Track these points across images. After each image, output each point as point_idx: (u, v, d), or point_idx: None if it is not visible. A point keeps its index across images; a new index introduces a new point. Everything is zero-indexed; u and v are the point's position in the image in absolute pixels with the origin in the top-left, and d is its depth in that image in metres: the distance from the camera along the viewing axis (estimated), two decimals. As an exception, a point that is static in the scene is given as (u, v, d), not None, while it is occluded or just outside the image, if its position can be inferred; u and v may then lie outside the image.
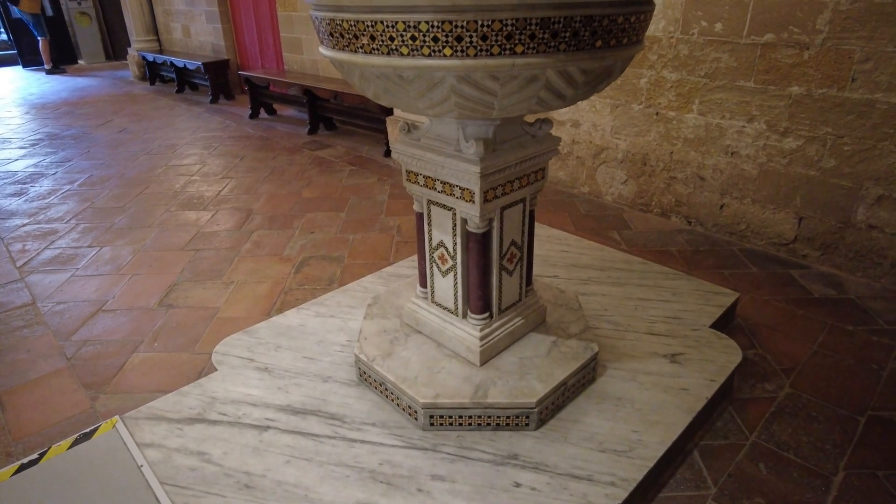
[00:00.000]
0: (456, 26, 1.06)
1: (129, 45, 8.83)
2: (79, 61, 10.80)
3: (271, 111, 6.02)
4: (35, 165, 4.63)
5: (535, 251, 2.42)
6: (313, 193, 3.76)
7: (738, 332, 2.18)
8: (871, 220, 2.56)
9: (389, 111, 4.39)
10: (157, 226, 3.35)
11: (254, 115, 5.92)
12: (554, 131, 3.45)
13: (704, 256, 2.83)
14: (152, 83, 8.31)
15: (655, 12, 2.96)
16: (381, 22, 1.11)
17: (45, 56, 9.58)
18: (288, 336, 1.99)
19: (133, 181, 4.17)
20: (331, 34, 1.24)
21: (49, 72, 9.65)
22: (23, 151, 5.08)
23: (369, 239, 3.05)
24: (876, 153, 2.48)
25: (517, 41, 1.08)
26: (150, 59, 7.99)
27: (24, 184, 4.21)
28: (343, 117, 4.93)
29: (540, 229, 2.78)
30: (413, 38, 1.09)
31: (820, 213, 2.69)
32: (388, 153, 4.48)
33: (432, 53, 1.10)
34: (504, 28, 1.06)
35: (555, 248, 2.59)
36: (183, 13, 7.73)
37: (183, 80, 7.52)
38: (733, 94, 2.82)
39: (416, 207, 1.68)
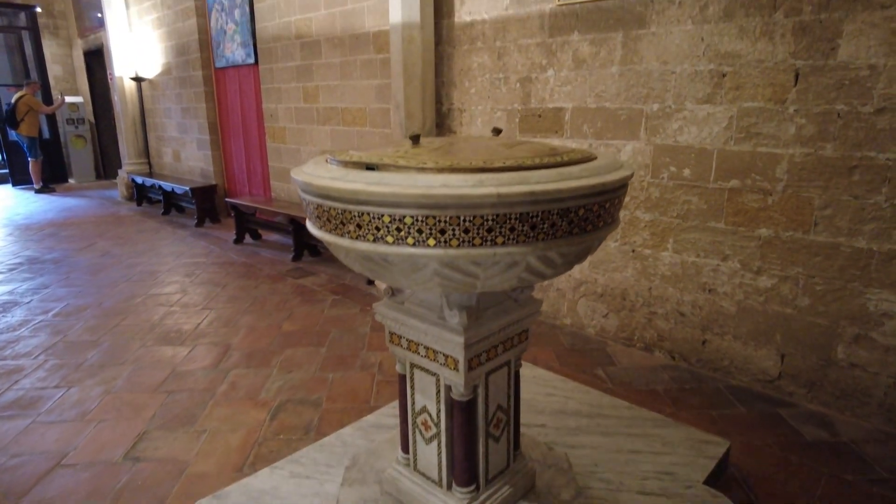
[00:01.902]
0: (439, 220, 1.09)
1: (121, 167, 9.08)
2: (69, 180, 11.02)
3: (256, 236, 6.09)
4: (10, 293, 4.55)
5: (521, 394, 2.36)
6: (294, 326, 3.71)
7: (734, 485, 2.09)
8: (851, 358, 2.57)
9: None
10: (132, 362, 3.25)
11: (238, 241, 5.98)
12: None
13: (691, 395, 2.79)
14: (139, 204, 8.45)
15: (625, 157, 3.14)
16: (368, 213, 1.14)
17: (35, 176, 9.78)
18: (260, 503, 1.86)
19: (110, 311, 4.09)
20: (318, 216, 1.28)
21: (38, 191, 9.80)
22: (-1, 277, 5.01)
23: (349, 378, 2.97)
24: (847, 293, 2.54)
25: (498, 233, 1.11)
26: (139, 181, 8.19)
27: (-4, 314, 4.11)
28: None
29: (525, 368, 2.74)
30: (398, 230, 1.12)
31: (801, 351, 2.70)
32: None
33: (416, 243, 1.12)
34: (485, 222, 1.10)
35: (541, 391, 2.54)
36: (175, 139, 8.05)
37: (170, 203, 7.67)
38: (706, 234, 2.93)
39: (398, 369, 1.65)
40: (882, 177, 2.38)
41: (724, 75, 2.75)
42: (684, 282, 3.05)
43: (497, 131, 1.65)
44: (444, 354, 1.46)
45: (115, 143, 9.81)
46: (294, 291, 4.42)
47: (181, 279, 4.84)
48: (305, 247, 5.30)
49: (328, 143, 5.23)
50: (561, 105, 3.39)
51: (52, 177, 10.63)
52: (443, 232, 1.10)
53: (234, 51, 6.42)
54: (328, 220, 1.23)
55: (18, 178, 10.43)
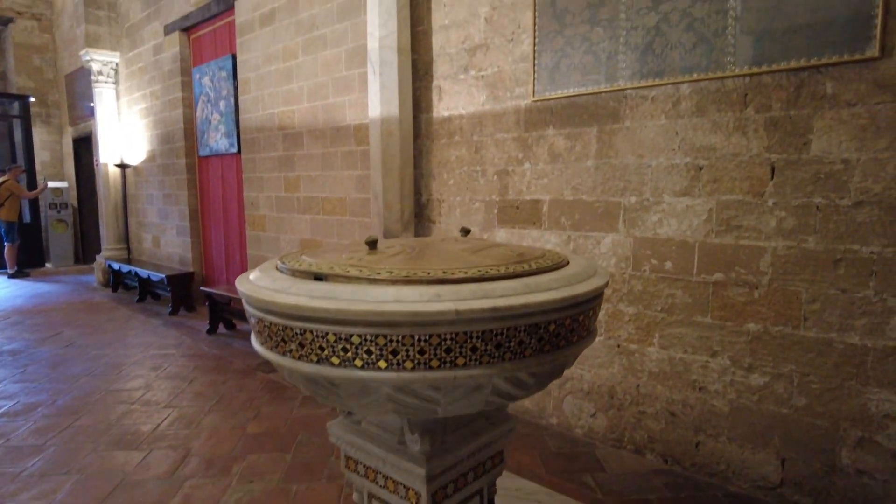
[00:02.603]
0: (391, 340, 0.96)
1: (99, 252, 8.93)
2: (46, 265, 10.82)
3: (230, 326, 5.88)
4: (-41, 390, 4.25)
5: (501, 515, 2.13)
6: (260, 428, 3.45)
7: None
8: (857, 464, 2.38)
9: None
10: (77, 471, 2.96)
11: (212, 331, 5.76)
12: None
13: (688, 507, 2.56)
14: (115, 290, 8.24)
15: (604, 250, 3.08)
16: (311, 331, 1.00)
17: (9, 261, 9.57)
18: None
19: (64, 410, 3.81)
20: (259, 332, 1.14)
21: (12, 276, 9.57)
22: (-48, 371, 4.72)
23: (315, 491, 2.71)
24: (845, 392, 2.40)
25: (458, 354, 0.98)
26: (116, 267, 8.02)
27: (-61, 414, 3.80)
28: (302, 335, 4.80)
29: (507, 479, 2.51)
30: (344, 350, 0.99)
31: (803, 455, 2.51)
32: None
33: (366, 365, 0.98)
34: (443, 342, 0.97)
35: (523, 506, 2.31)
36: (155, 225, 7.98)
37: (145, 290, 7.48)
38: (692, 329, 2.81)
39: (355, 499, 1.45)
40: (868, 270, 2.31)
41: (700, 168, 2.74)
42: (673, 379, 2.90)
43: (465, 231, 1.55)
44: (405, 486, 1.28)
45: (97, 227, 9.72)
46: (263, 388, 4.17)
47: (146, 373, 4.58)
48: (280, 337, 5.09)
49: (308, 232, 5.16)
50: (538, 197, 3.36)
51: (29, 261, 10.43)
52: (395, 353, 0.97)
53: (217, 140, 6.49)
54: (269, 336, 1.09)
55: (-6, 264, 10.21)
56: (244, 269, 6.27)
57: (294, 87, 5.12)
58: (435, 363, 0.97)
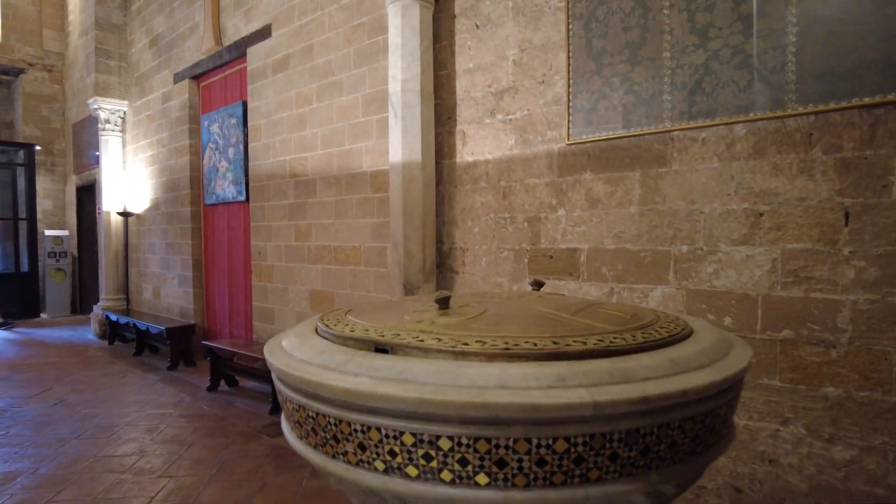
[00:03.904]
0: (497, 446, 0.67)
1: (97, 302, 8.62)
2: (42, 315, 10.48)
3: (233, 382, 5.52)
4: (-66, 455, 3.87)
5: None
6: (267, 503, 3.08)
7: None
8: (969, 558, 2.03)
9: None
10: (55, 557, 2.57)
11: (212, 388, 5.39)
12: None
13: None
14: (111, 342, 7.88)
15: (653, 304, 2.79)
16: (378, 428, 0.71)
17: None
18: None
19: (46, 481, 3.43)
20: (298, 422, 0.84)
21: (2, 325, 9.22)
22: (-71, 433, 4.34)
23: (332, 586, 2.33)
24: (948, 471, 2.06)
25: (592, 464, 0.69)
26: (114, 318, 7.70)
27: None
28: (311, 394, 4.45)
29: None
30: (427, 458, 0.69)
31: (901, 546, 2.16)
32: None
33: (458, 480, 0.69)
34: (572, 448, 0.67)
35: None
36: (156, 275, 7.71)
37: (143, 343, 7.13)
38: (758, 392, 2.49)
39: None
40: (970, 330, 2.02)
41: (761, 214, 2.49)
42: (738, 449, 2.56)
43: (537, 284, 1.28)
44: None
45: (96, 277, 9.44)
46: (269, 454, 3.79)
47: (141, 436, 4.20)
48: (286, 396, 4.73)
49: (319, 283, 4.89)
50: (575, 246, 3.10)
51: (24, 311, 10.10)
52: (502, 464, 0.68)
53: (225, 188, 6.29)
54: (314, 430, 0.80)
55: (-14, 314, 9.88)
56: (248, 322, 5.96)
57: (307, 133, 4.95)
58: (559, 478, 0.68)
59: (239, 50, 5.84)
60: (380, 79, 4.23)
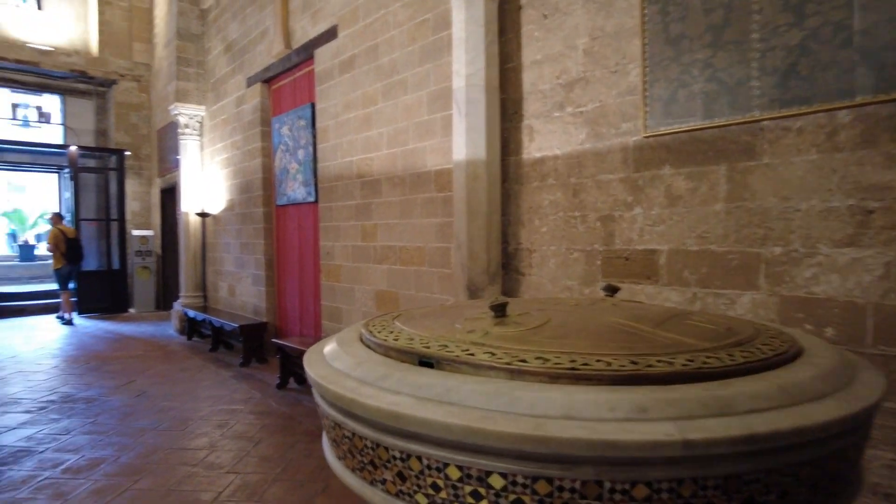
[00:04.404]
0: (561, 488, 0.54)
1: (177, 299, 9.06)
2: (130, 310, 11.15)
3: (301, 380, 5.61)
4: (28, 439, 4.13)
5: None
6: (328, 505, 3.06)
7: None
8: None
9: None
10: (128, 547, 2.65)
11: (282, 386, 5.50)
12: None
13: None
14: (190, 338, 8.26)
15: (741, 311, 2.54)
16: (419, 458, 0.60)
17: (63, 305, 9.79)
18: None
19: (126, 469, 3.57)
20: (335, 441, 0.75)
21: (60, 318, 9.80)
22: (26, 417, 4.65)
23: None
24: None
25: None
26: (191, 315, 8.06)
27: (3, 465, 3.66)
28: (375, 395, 4.42)
29: None
30: (476, 496, 0.58)
31: None
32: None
33: (514, 527, 0.57)
34: (655, 496, 0.54)
35: None
36: (231, 274, 7.99)
37: (218, 339, 7.41)
38: (879, 416, 2.20)
39: None
40: None
41: (870, 212, 2.19)
42: (839, 478, 2.27)
43: (611, 289, 1.13)
44: None
45: (178, 274, 9.94)
46: (333, 454, 3.79)
47: (212, 430, 4.32)
48: (351, 396, 4.74)
49: (384, 284, 4.87)
50: (653, 247, 2.88)
51: (114, 305, 10.80)
52: (570, 510, 0.55)
53: (295, 189, 6.42)
54: (350, 452, 0.70)
55: (84, 307, 10.61)
56: (318, 321, 6.04)
57: (373, 133, 4.94)
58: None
59: (307, 52, 5.94)
60: (444, 76, 4.15)
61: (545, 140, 3.44)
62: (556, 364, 0.63)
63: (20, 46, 10.43)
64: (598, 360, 0.64)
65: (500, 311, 0.85)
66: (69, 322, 9.69)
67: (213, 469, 3.58)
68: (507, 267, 3.65)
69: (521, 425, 0.54)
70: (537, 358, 0.65)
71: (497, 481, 0.56)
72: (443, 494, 0.60)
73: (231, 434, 4.23)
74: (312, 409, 4.79)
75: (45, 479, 3.46)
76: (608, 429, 0.53)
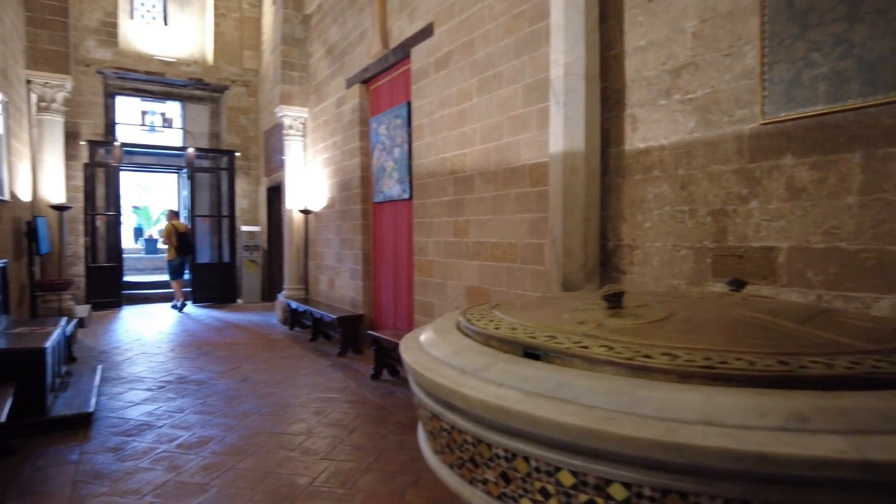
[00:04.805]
0: (700, 505, 0.46)
1: (282, 291, 9.56)
2: (238, 300, 11.91)
3: (394, 372, 5.72)
4: (149, 414, 4.50)
5: None
6: (419, 498, 3.06)
7: None
8: None
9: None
10: (232, 523, 2.79)
11: (376, 376, 5.63)
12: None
13: None
14: (291, 328, 8.67)
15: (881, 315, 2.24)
16: (527, 459, 0.54)
17: (177, 294, 10.62)
18: None
19: (231, 449, 3.79)
20: (432, 433, 0.70)
21: (174, 306, 10.66)
22: (147, 395, 5.07)
23: None
24: None
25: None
26: (294, 306, 8.46)
27: (129, 436, 4.00)
28: (465, 391, 4.40)
29: None
30: (594, 506, 0.50)
31: None
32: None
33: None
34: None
35: None
36: (331, 268, 8.30)
37: (318, 330, 7.72)
38: None
39: None
40: None
41: None
42: None
43: (737, 284, 1.01)
44: None
45: (281, 268, 10.49)
46: (423, 447, 3.80)
47: (309, 417, 4.48)
48: (442, 391, 4.74)
49: (475, 280, 4.83)
50: (771, 244, 2.63)
51: (224, 296, 11.57)
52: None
53: (391, 186, 6.55)
54: (448, 447, 0.65)
55: (198, 297, 11.47)
56: (410, 315, 6.13)
57: (467, 129, 4.92)
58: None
59: (404, 51, 6.02)
60: (540, 67, 4.04)
61: (650, 130, 3.25)
62: (688, 361, 0.54)
63: (149, 59, 11.44)
64: (737, 359, 0.54)
65: (615, 301, 0.77)
66: (180, 309, 10.55)
67: (308, 454, 3.71)
68: (605, 264, 3.49)
69: (650, 429, 0.47)
70: (664, 354, 0.57)
71: (619, 492, 0.49)
72: (553, 502, 0.54)
73: (327, 421, 4.37)
74: (405, 401, 4.85)
75: (162, 452, 3.73)
76: (759, 439, 0.44)
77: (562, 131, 3.34)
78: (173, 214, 10.94)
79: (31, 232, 6.50)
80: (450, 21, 5.12)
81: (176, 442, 3.91)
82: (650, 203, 3.24)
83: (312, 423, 4.35)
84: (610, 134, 3.48)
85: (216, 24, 11.99)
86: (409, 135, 6.03)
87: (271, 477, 3.36)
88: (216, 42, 12.03)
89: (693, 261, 3.00)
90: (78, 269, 10.43)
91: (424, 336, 0.84)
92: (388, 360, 5.65)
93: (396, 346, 5.37)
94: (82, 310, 8.83)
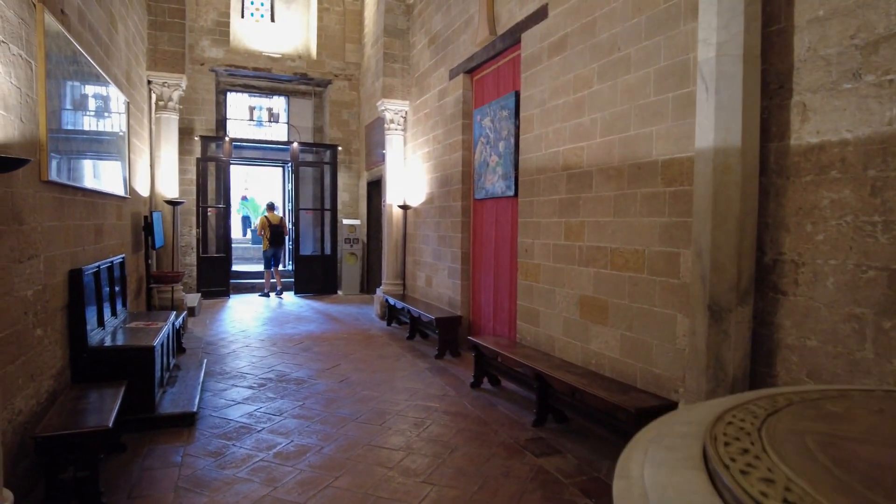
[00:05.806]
0: None
1: (380, 285, 9.51)
2: (338, 292, 12.09)
3: (495, 381, 5.37)
4: (249, 416, 4.46)
5: None
6: (532, 547, 2.69)
7: None
8: None
9: (645, 417, 3.30)
10: (328, 555, 2.56)
11: (476, 385, 5.32)
12: None
13: None
14: (389, 323, 8.58)
15: None
16: None
17: (266, 283, 11.37)
18: None
19: (328, 462, 3.61)
20: None
21: (262, 294, 11.32)
22: (248, 392, 5.07)
23: None
24: None
25: None
26: (392, 303, 8.35)
27: (229, 440, 3.96)
28: (579, 416, 3.95)
29: None
30: None
31: None
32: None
33: None
34: None
35: None
36: (429, 265, 8.09)
37: (415, 328, 7.54)
38: None
39: None
40: None
41: None
42: None
43: None
44: None
45: (380, 262, 10.47)
46: (532, 478, 3.42)
47: (408, 429, 4.24)
48: (550, 409, 4.33)
49: (590, 289, 4.36)
50: None
51: (325, 287, 11.79)
52: None
53: (494, 183, 6.17)
54: None
55: (299, 287, 11.75)
56: (512, 320, 5.74)
57: (585, 120, 4.43)
58: None
59: (513, 37, 5.60)
60: (678, 48, 3.48)
61: (826, 120, 2.63)
62: None
63: (257, 56, 11.79)
64: None
65: None
66: (268, 295, 11.34)
67: (408, 476, 3.45)
68: (761, 283, 2.91)
69: None
70: None
71: None
72: None
73: (426, 436, 4.10)
74: (507, 417, 4.50)
75: (259, 460, 3.63)
76: None
77: (712, 123, 2.79)
78: (269, 207, 11.47)
79: (148, 227, 6.77)
80: (567, 1, 4.64)
81: (274, 450, 3.80)
82: (825, 211, 2.63)
83: (411, 436, 4.09)
84: (770, 126, 2.89)
85: (319, 19, 12.14)
86: (517, 127, 5.61)
87: (369, 500, 3.12)
88: (319, 36, 12.19)
89: (886, 285, 2.38)
90: (190, 259, 11.00)
91: (650, 472, 0.47)
92: (488, 369, 5.31)
93: (497, 355, 5.03)
94: (192, 298, 9.24)
